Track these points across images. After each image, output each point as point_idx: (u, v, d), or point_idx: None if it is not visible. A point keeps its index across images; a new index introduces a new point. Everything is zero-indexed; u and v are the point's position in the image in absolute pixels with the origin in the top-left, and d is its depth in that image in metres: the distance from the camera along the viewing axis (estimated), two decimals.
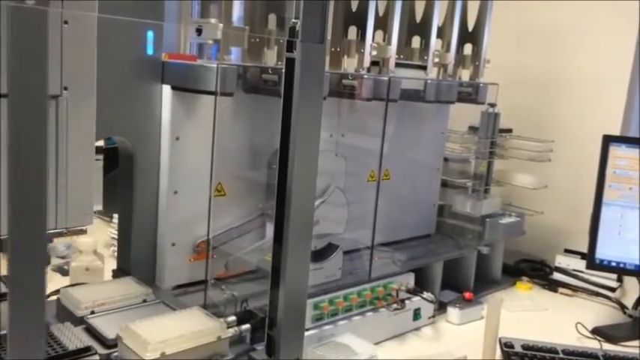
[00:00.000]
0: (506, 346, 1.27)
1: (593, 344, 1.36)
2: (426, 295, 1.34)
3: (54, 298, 1.08)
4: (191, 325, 0.88)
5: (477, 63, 1.53)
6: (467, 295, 1.48)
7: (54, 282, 1.41)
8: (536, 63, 1.87)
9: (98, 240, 1.53)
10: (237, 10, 1.15)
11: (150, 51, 1.09)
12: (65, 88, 0.77)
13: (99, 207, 2.03)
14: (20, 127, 0.63)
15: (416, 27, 1.43)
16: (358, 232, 1.38)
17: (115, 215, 1.80)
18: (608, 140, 1.49)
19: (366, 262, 1.38)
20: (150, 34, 1.08)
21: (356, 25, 1.29)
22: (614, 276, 1.67)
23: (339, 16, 1.28)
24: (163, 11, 1.10)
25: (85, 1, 0.79)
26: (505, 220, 1.67)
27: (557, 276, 1.74)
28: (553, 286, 1.72)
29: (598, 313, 1.57)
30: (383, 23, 1.33)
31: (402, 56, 1.40)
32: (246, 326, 0.95)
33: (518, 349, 1.26)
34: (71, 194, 0.80)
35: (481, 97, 1.53)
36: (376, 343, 1.27)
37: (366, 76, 1.24)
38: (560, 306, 1.62)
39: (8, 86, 0.62)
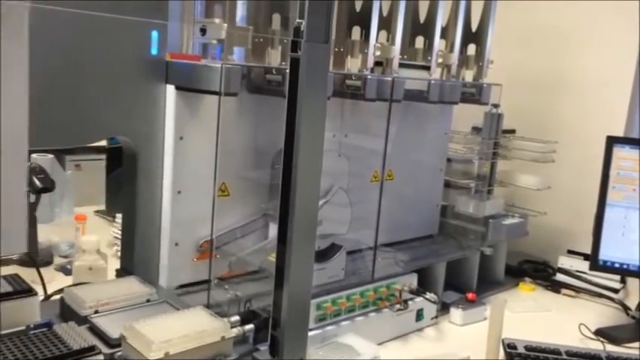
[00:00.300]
0: (510, 347, 1.26)
1: (597, 345, 1.36)
2: (429, 295, 1.34)
3: (57, 297, 1.08)
4: (195, 325, 0.88)
5: (480, 63, 1.53)
6: (470, 295, 1.47)
7: (57, 281, 1.41)
8: (539, 64, 1.86)
9: (101, 239, 1.53)
10: (241, 10, 1.15)
11: (154, 51, 1.09)
12: None
13: (102, 207, 2.04)
14: None
15: (419, 27, 1.43)
16: (361, 232, 1.38)
17: (118, 215, 1.81)
18: (611, 141, 1.49)
19: (368, 262, 1.38)
20: (154, 34, 1.08)
21: (360, 26, 1.28)
22: (617, 277, 1.66)
23: (343, 16, 1.28)
24: (167, 11, 1.10)
25: None
26: (508, 221, 1.66)
27: (560, 277, 1.74)
28: (556, 287, 1.71)
29: (601, 314, 1.57)
30: (387, 23, 1.32)
31: (405, 56, 1.40)
32: (250, 326, 0.95)
33: (521, 350, 1.26)
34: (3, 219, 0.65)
35: (484, 98, 1.53)
36: (379, 344, 1.27)
37: (369, 77, 1.24)
38: (563, 307, 1.61)
39: None
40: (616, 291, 1.66)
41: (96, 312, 0.97)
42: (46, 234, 1.61)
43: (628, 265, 1.49)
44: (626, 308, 1.59)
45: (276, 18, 1.20)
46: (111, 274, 1.36)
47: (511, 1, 1.71)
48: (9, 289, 0.91)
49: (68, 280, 1.39)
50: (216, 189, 1.14)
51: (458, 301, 1.47)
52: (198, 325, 0.89)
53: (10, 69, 0.61)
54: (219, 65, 1.03)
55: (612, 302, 1.64)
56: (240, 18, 1.15)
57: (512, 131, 1.73)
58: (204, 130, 1.14)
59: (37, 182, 1.45)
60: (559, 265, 1.76)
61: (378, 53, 1.28)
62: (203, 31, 1.07)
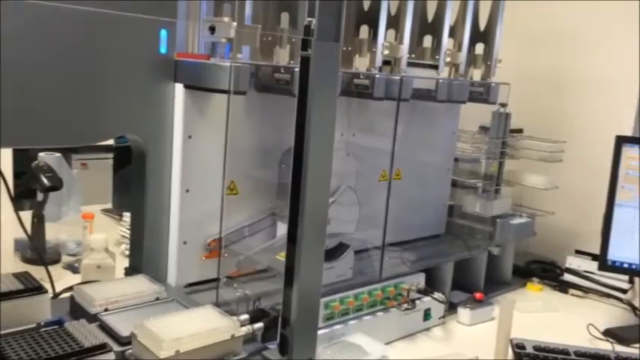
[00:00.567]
0: (518, 347, 1.26)
1: (605, 346, 1.35)
2: (436, 295, 1.34)
3: (66, 295, 1.08)
4: (205, 323, 0.88)
5: (488, 62, 1.52)
6: (477, 295, 1.47)
7: (65, 279, 1.42)
8: (547, 63, 1.86)
9: (108, 238, 1.53)
10: (248, 9, 1.14)
11: (163, 49, 1.09)
12: None
13: (108, 205, 2.05)
14: None
15: (427, 26, 1.43)
16: (367, 231, 1.37)
17: (125, 214, 1.81)
18: (620, 141, 1.48)
19: (374, 262, 1.38)
20: (163, 33, 1.08)
21: (368, 24, 1.28)
22: (626, 277, 1.66)
23: (351, 15, 1.28)
24: (176, 10, 1.10)
25: None
26: (516, 221, 1.66)
27: (567, 277, 1.73)
28: (564, 287, 1.71)
29: (609, 314, 1.56)
30: (395, 22, 1.32)
31: (413, 55, 1.40)
32: (259, 325, 0.95)
33: (529, 350, 1.25)
34: None
35: (492, 97, 1.52)
36: (386, 343, 1.27)
37: (378, 76, 1.23)
38: (571, 307, 1.61)
39: None
40: (624, 291, 1.65)
41: (106, 310, 0.97)
42: (53, 232, 1.61)
43: (636, 265, 1.48)
44: (634, 308, 1.59)
45: (285, 17, 1.20)
46: (119, 273, 1.37)
47: (519, 0, 1.71)
48: (20, 286, 0.91)
49: (76, 279, 1.40)
50: (225, 187, 1.14)
51: (465, 300, 1.47)
52: (208, 323, 0.89)
53: None
54: (229, 64, 1.03)
55: (620, 302, 1.63)
56: (247, 17, 1.15)
57: (520, 130, 1.72)
58: (212, 129, 1.14)
59: (45, 181, 1.46)
60: (567, 266, 1.75)
61: (386, 52, 1.28)
62: (212, 29, 1.07)
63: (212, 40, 1.09)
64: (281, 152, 1.25)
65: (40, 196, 1.52)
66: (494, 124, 1.62)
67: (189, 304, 1.03)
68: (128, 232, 1.74)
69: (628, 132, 1.70)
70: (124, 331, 0.90)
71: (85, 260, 1.38)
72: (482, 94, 1.51)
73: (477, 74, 1.56)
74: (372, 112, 1.37)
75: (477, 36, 1.52)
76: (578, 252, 1.77)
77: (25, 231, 1.31)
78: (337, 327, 1.21)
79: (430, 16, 1.44)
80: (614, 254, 1.49)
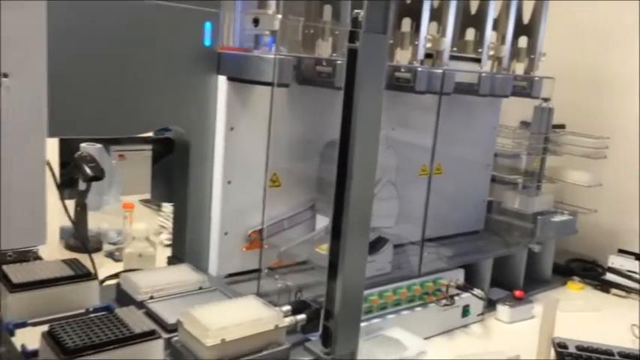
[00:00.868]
0: (560, 346, 1.23)
1: None
2: (476, 291, 1.33)
3: (109, 282, 1.11)
4: (249, 313, 0.89)
5: (532, 56, 1.49)
6: (517, 293, 1.45)
7: (106, 267, 1.45)
8: (589, 59, 1.81)
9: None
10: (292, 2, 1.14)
11: (207, 42, 1.10)
12: (5, 75, 0.61)
13: (146, 196, 2.08)
14: None
15: (470, 19, 1.41)
16: (405, 226, 1.36)
17: (164, 204, 1.84)
18: None
19: (412, 256, 1.37)
20: (207, 25, 1.09)
21: (410, 17, 1.27)
22: None
23: (394, 8, 1.27)
24: (220, 3, 1.11)
25: None
26: (557, 218, 1.62)
27: (609, 277, 1.69)
28: (605, 286, 1.67)
29: None
30: (437, 15, 1.30)
31: (455, 48, 1.37)
32: (302, 316, 0.95)
33: (572, 349, 1.23)
34: (17, 210, 0.63)
35: (536, 92, 1.49)
36: (424, 339, 1.26)
37: (420, 69, 1.22)
38: (613, 307, 1.57)
39: None
40: None
41: (151, 298, 0.99)
42: (95, 221, 1.65)
43: None
44: None
45: (328, 9, 1.19)
46: (159, 262, 1.39)
47: None
48: (70, 272, 0.94)
49: (117, 267, 1.43)
50: (267, 179, 1.15)
51: (505, 298, 1.45)
52: (252, 313, 0.89)
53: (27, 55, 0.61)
54: (273, 56, 1.03)
55: None
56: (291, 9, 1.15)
57: (562, 126, 1.68)
58: (254, 121, 1.15)
59: (88, 170, 1.49)
60: (609, 265, 1.71)
61: (428, 45, 1.26)
62: (256, 21, 1.07)
63: (255, 33, 1.10)
64: (321, 145, 1.25)
65: (82, 186, 1.56)
66: (537, 119, 1.58)
67: (231, 294, 1.04)
68: (167, 222, 1.77)
69: None
70: (169, 319, 0.92)
71: (127, 249, 1.41)
72: (525, 88, 1.48)
73: (519, 68, 1.53)
74: (411, 106, 1.36)
75: (521, 29, 1.48)
76: (621, 251, 1.72)
77: (71, 219, 1.34)
78: (375, 321, 1.21)
79: (473, 9, 1.42)
80: None
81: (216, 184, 1.16)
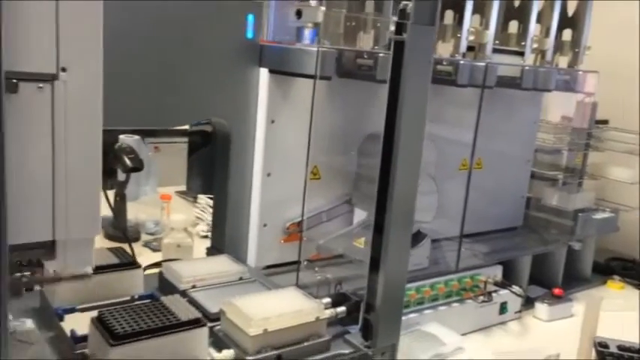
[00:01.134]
0: (601, 345, 1.21)
1: None
2: (514, 288, 1.31)
3: (155, 271, 1.13)
4: (291, 305, 0.90)
5: (576, 49, 1.45)
6: (556, 291, 1.42)
7: (144, 257, 1.48)
8: (636, 54, 1.75)
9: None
10: None
11: (249, 34, 1.11)
12: (63, 70, 0.62)
13: (181, 187, 2.12)
14: None
15: (514, 11, 1.38)
16: (442, 221, 1.35)
17: (200, 196, 1.87)
18: None
19: (449, 252, 1.35)
20: (250, 18, 1.10)
21: (453, 9, 1.25)
22: None
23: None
24: None
25: None
26: (598, 216, 1.59)
27: None
28: None
29: None
30: (480, 7, 1.28)
31: (497, 41, 1.35)
32: (342, 309, 0.95)
33: (613, 349, 1.20)
34: (73, 200, 0.64)
35: (579, 86, 1.46)
36: (460, 335, 1.25)
37: (462, 62, 1.20)
38: None
39: None
40: None
41: (193, 287, 1.00)
42: (132, 212, 1.68)
43: None
44: None
45: (370, 2, 1.18)
46: (195, 253, 1.41)
47: None
48: (115, 260, 0.96)
49: (155, 257, 1.45)
50: (308, 172, 1.15)
51: (543, 295, 1.42)
52: (293, 304, 0.90)
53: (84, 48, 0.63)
54: (316, 49, 1.03)
55: None
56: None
57: (605, 122, 1.64)
58: (294, 114, 1.15)
59: (128, 161, 1.52)
60: None
61: (471, 38, 1.24)
62: (299, 13, 1.07)
63: (298, 25, 1.10)
64: (360, 139, 1.24)
65: (122, 176, 1.59)
66: (579, 114, 1.54)
67: (270, 285, 1.05)
68: (203, 213, 1.80)
69: None
70: (211, 308, 0.93)
71: (165, 239, 1.44)
72: (569, 82, 1.44)
73: (562, 61, 1.49)
74: (451, 100, 1.34)
75: (565, 22, 1.45)
76: None
77: (113, 209, 1.36)
78: (412, 316, 1.20)
79: (517, 1, 1.39)
80: None
81: (256, 176, 1.16)
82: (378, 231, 0.91)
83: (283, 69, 1.10)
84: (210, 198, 1.79)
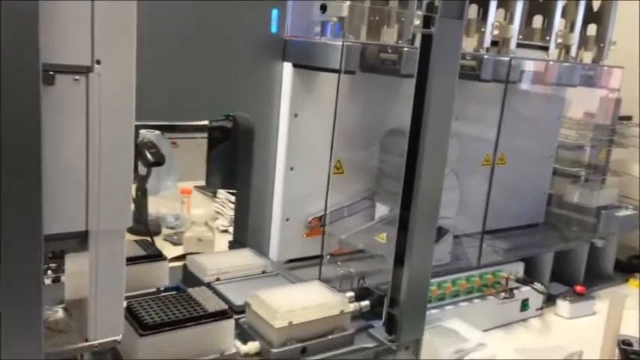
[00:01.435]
0: (625, 343, 1.20)
1: None
2: (537, 285, 1.30)
3: (177, 264, 1.14)
4: (315, 298, 0.90)
5: (601, 44, 1.43)
6: (578, 288, 1.41)
7: (165, 250, 1.49)
8: None
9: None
10: None
11: (274, 29, 1.11)
12: (98, 62, 0.62)
13: (199, 182, 2.13)
14: (6, 106, 0.55)
15: (538, 6, 1.36)
16: (463, 217, 1.34)
17: (219, 191, 1.87)
18: None
19: (470, 248, 1.35)
20: (274, 12, 1.10)
21: (477, 4, 1.24)
22: None
23: None
24: None
25: None
26: (621, 213, 1.57)
27: None
28: None
29: None
30: (504, 2, 1.27)
31: (520, 36, 1.34)
32: (366, 303, 0.95)
33: (637, 347, 1.19)
34: (105, 191, 0.64)
35: (604, 82, 1.44)
36: (482, 331, 1.24)
37: (486, 57, 1.19)
38: None
39: None
40: None
41: (217, 280, 1.01)
42: (153, 206, 1.70)
43: None
44: None
45: None
46: (216, 247, 1.42)
47: None
48: (142, 252, 0.97)
49: (176, 250, 1.46)
50: (331, 166, 1.15)
51: (565, 293, 1.41)
52: (318, 297, 0.90)
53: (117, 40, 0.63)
54: (341, 43, 1.03)
55: None
56: None
57: (629, 118, 1.62)
58: (317, 108, 1.15)
59: (150, 156, 1.53)
60: None
61: (495, 32, 1.23)
62: (323, 8, 1.07)
63: (322, 19, 1.10)
64: (382, 134, 1.24)
65: (143, 171, 1.60)
66: (602, 110, 1.53)
67: (292, 279, 1.05)
68: (223, 208, 1.81)
69: None
70: (235, 300, 0.93)
71: (187, 233, 1.45)
72: (592, 77, 1.42)
73: (587, 57, 1.47)
74: (473, 94, 1.34)
75: (590, 16, 1.43)
76: None
77: (135, 203, 1.38)
78: (433, 311, 1.20)
79: None
80: None
81: (279, 170, 1.17)
82: (402, 227, 0.90)
83: (307, 63, 1.10)
84: (230, 193, 1.81)
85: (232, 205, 1.79)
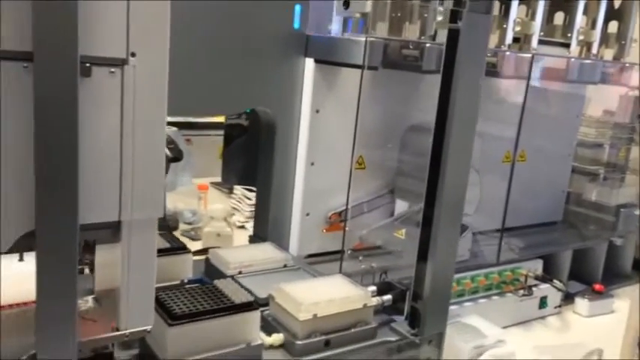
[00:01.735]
0: None
1: None
2: (556, 282, 1.30)
3: (198, 258, 1.15)
4: (339, 291, 0.91)
5: (622, 42, 1.42)
6: (597, 287, 1.41)
7: None
8: None
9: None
10: None
11: (296, 25, 1.11)
12: (133, 54, 0.63)
13: (214, 179, 2.14)
14: (45, 97, 0.56)
15: (559, 3, 1.36)
16: (482, 213, 1.34)
17: (235, 187, 1.89)
18: None
19: (489, 245, 1.34)
20: (297, 8, 1.11)
21: (499, 0, 1.24)
22: None
23: None
24: None
25: None
26: None
27: None
28: None
29: None
30: None
31: (541, 33, 1.33)
32: (388, 297, 0.96)
33: None
34: (138, 181, 0.65)
35: (624, 79, 1.43)
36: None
37: (508, 53, 1.19)
38: None
39: (34, 48, 0.55)
40: None
41: (240, 273, 1.02)
42: (170, 202, 1.71)
43: None
44: None
45: None
46: (234, 242, 1.43)
47: None
48: (167, 245, 0.98)
49: (195, 245, 1.47)
50: (353, 161, 1.15)
51: (584, 291, 1.41)
52: (341, 291, 0.91)
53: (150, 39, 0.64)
54: (364, 39, 1.03)
55: None
56: None
57: None
58: (339, 104, 1.16)
59: (168, 152, 1.54)
60: None
61: (517, 29, 1.23)
62: (347, 4, 1.08)
63: (345, 15, 1.10)
64: (403, 130, 1.24)
65: None
66: (622, 108, 1.52)
67: (314, 273, 1.06)
68: (239, 204, 1.82)
69: None
70: (258, 293, 0.94)
71: (206, 228, 1.46)
72: (613, 75, 1.42)
73: (607, 54, 1.46)
74: (492, 91, 1.33)
75: (612, 13, 1.42)
76: None
77: None
78: (452, 307, 1.20)
79: None
80: None
81: (300, 166, 1.18)
82: (426, 222, 0.91)
83: (330, 59, 1.10)
84: (247, 189, 1.82)
85: (249, 202, 1.81)
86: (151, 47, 0.64)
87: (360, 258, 1.11)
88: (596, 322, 1.36)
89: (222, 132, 2.19)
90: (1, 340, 0.68)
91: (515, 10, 1.22)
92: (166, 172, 1.71)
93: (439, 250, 0.89)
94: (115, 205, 0.66)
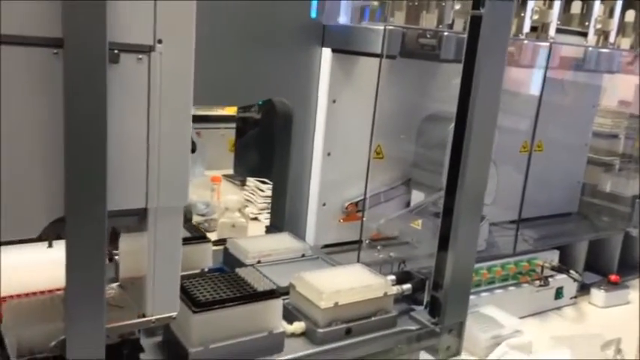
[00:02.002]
0: None
1: None
2: (573, 273, 1.29)
3: (217, 248, 1.15)
4: (359, 280, 0.91)
5: (639, 31, 1.41)
6: (613, 277, 1.40)
7: None
8: None
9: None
10: None
11: (313, 14, 1.11)
12: (159, 41, 0.62)
13: (225, 171, 2.14)
14: (74, 83, 0.56)
15: None
16: (498, 204, 1.34)
17: (248, 179, 1.89)
18: None
19: (501, 237, 1.34)
20: None
21: None
22: None
23: None
24: None
25: None
26: None
27: None
28: None
29: None
30: None
31: (558, 22, 1.32)
32: (408, 286, 0.96)
33: None
34: (164, 169, 0.65)
35: None
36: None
37: (526, 42, 1.19)
38: None
39: (64, 35, 0.56)
40: None
41: (258, 262, 1.02)
42: None
43: None
44: None
45: None
46: (248, 233, 1.43)
47: None
48: (187, 234, 0.98)
49: (210, 236, 1.47)
50: (372, 151, 1.15)
51: (599, 282, 1.41)
52: (361, 280, 0.91)
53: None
54: (382, 27, 1.03)
55: None
56: None
57: None
58: (355, 94, 1.16)
59: None
60: None
61: (535, 17, 1.22)
62: None
63: (362, 4, 1.10)
64: (420, 119, 1.24)
65: None
66: (638, 99, 1.51)
67: (333, 262, 1.06)
68: (252, 195, 1.82)
69: None
70: (278, 282, 0.94)
71: (221, 219, 1.46)
72: (631, 64, 1.41)
73: (624, 43, 1.45)
74: (507, 80, 1.32)
75: (629, 2, 1.41)
76: None
77: None
78: (470, 297, 1.19)
79: None
80: None
81: (316, 156, 1.17)
82: (447, 212, 0.91)
83: (347, 48, 1.10)
84: (260, 181, 1.82)
85: (262, 193, 1.81)
86: (177, 35, 0.64)
87: (379, 248, 1.11)
88: (611, 313, 1.36)
89: (231, 125, 2.19)
90: (30, 326, 0.69)
91: None
92: None
93: (460, 239, 0.89)
94: (142, 192, 0.66)
